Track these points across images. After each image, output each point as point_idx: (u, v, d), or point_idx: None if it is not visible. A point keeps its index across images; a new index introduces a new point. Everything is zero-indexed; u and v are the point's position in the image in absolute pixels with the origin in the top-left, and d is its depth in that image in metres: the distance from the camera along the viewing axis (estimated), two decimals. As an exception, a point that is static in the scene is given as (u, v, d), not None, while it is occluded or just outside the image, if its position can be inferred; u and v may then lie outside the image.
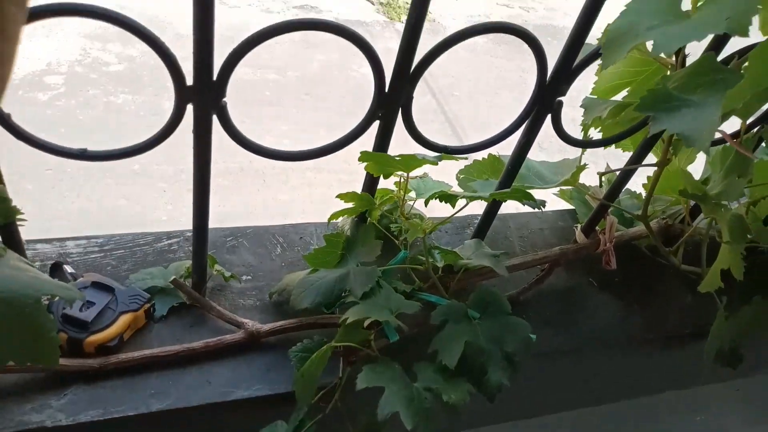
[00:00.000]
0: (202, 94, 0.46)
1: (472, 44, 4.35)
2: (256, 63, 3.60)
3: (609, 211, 0.75)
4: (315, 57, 3.83)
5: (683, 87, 0.44)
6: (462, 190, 0.77)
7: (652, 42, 0.50)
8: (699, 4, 0.56)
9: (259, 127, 3.23)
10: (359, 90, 3.65)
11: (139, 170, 2.81)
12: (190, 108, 0.47)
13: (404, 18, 4.24)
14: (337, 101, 3.57)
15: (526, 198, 0.61)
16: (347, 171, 3.20)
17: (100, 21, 0.39)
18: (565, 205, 0.88)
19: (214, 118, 0.48)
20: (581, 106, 0.75)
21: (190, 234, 0.71)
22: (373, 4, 4.32)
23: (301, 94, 3.59)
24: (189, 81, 0.45)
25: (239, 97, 3.16)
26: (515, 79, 4.20)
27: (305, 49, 3.86)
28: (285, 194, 2.96)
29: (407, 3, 4.32)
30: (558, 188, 0.82)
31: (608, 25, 0.59)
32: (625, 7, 0.57)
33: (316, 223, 0.77)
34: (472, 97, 3.94)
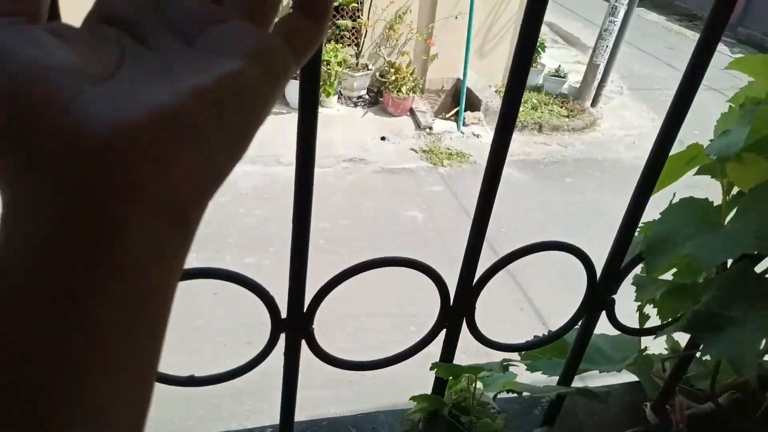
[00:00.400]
0: (294, 325, 0.53)
1: (514, 181, 4.53)
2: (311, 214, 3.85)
3: (677, 389, 0.76)
4: (365, 204, 4.06)
5: (723, 300, 0.48)
6: (525, 367, 0.80)
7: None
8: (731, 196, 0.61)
9: (313, 275, 3.35)
10: (408, 231, 3.80)
11: (201, 325, 2.93)
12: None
13: (446, 162, 4.51)
14: (387, 243, 3.71)
15: (590, 398, 0.63)
16: (400, 314, 3.24)
17: (220, 280, 0.48)
18: (631, 377, 0.88)
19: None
20: (632, 284, 0.79)
21: (271, 430, 0.75)
22: (416, 152, 4.62)
23: (352, 239, 3.76)
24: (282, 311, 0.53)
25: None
26: (560, 212, 4.30)
27: (356, 197, 4.11)
28: (343, 342, 2.99)
29: (448, 149, 4.61)
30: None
31: (646, 226, 0.65)
32: (660, 215, 0.63)
33: (386, 411, 0.80)
34: (518, 231, 4.01)
